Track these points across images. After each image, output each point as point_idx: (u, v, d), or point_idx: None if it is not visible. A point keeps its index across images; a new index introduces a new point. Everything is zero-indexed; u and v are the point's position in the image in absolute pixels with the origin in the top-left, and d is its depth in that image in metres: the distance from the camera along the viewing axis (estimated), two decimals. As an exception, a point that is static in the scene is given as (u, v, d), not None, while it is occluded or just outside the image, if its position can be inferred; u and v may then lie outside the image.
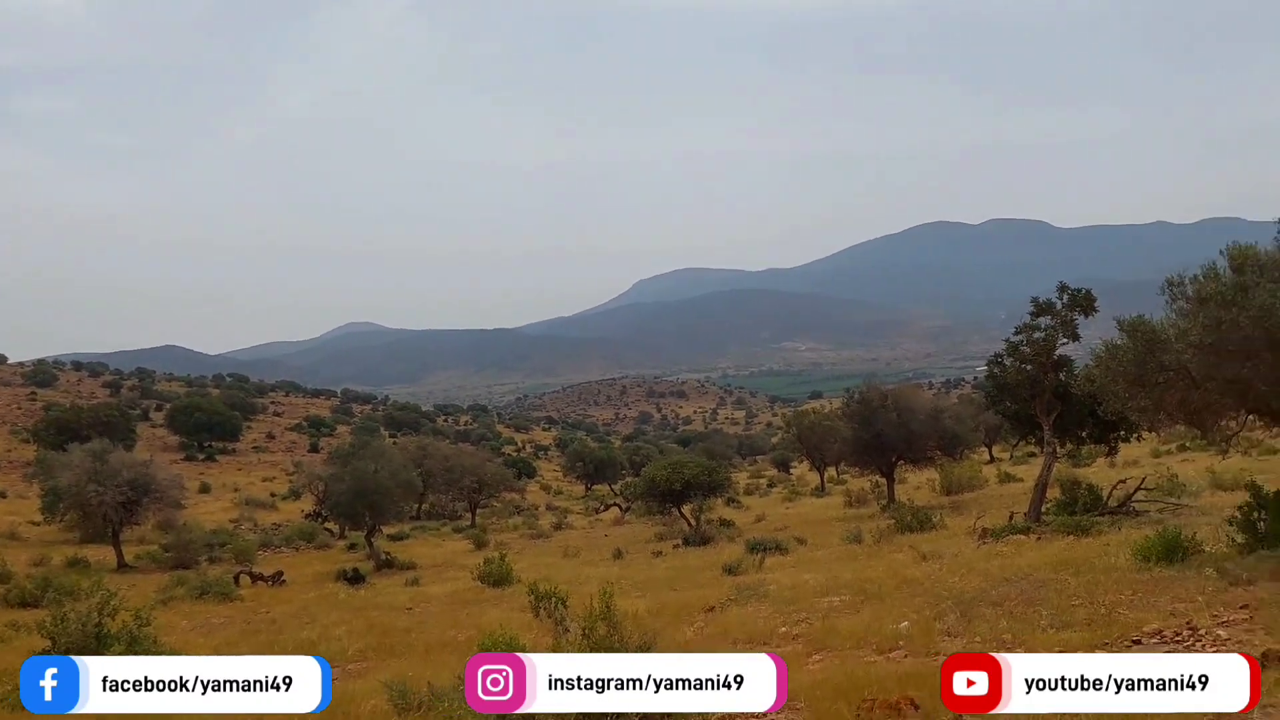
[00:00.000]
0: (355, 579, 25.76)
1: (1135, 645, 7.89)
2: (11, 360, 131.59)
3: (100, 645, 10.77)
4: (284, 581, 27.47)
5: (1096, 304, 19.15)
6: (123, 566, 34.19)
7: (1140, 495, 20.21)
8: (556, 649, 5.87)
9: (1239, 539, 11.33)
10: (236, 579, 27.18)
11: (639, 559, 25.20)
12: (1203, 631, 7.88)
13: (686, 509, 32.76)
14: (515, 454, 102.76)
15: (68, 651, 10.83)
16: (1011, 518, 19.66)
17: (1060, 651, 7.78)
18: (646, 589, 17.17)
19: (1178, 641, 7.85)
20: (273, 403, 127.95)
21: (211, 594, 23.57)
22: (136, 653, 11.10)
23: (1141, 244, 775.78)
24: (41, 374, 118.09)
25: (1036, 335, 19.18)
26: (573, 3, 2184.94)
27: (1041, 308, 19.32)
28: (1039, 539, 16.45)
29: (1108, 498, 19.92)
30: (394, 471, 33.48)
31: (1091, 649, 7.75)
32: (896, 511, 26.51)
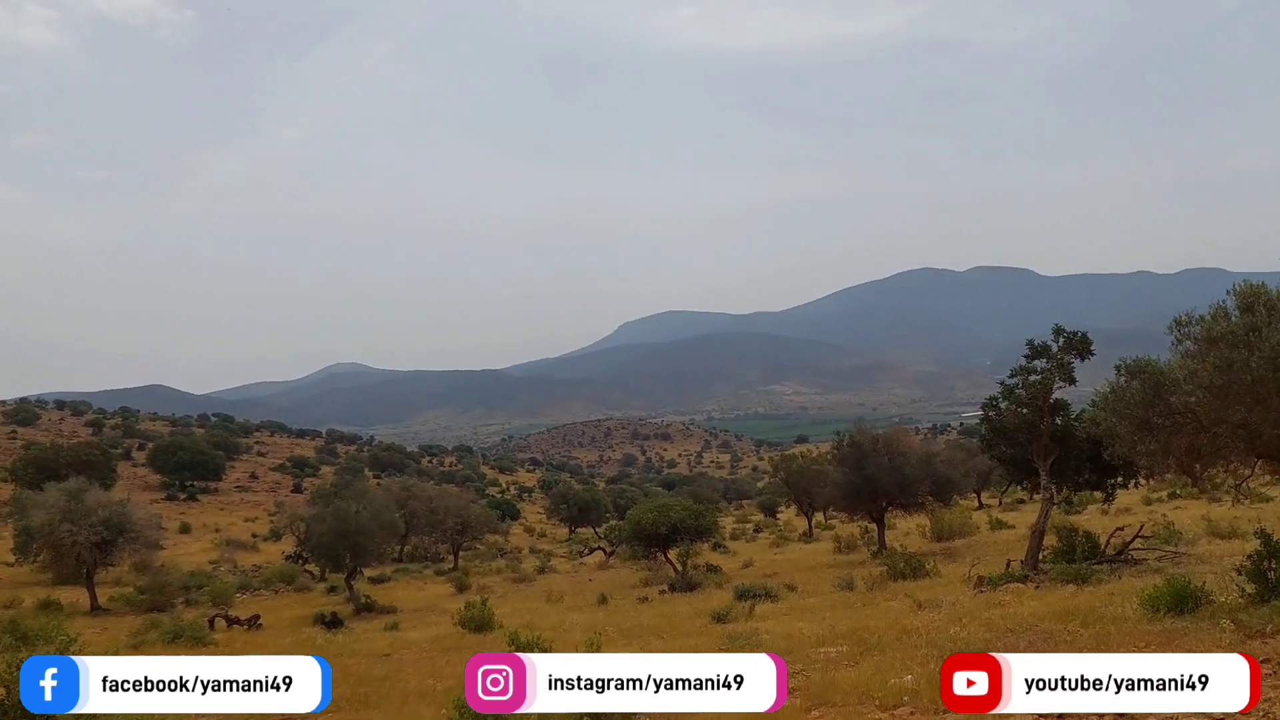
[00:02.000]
0: (333, 623, 25.04)
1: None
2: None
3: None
4: (260, 625, 26.72)
5: (1093, 347, 18.89)
6: (96, 609, 33.31)
7: (1138, 543, 19.82)
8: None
9: (1249, 589, 10.93)
10: (211, 623, 26.42)
11: (624, 605, 24.57)
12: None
13: (673, 554, 32.15)
14: (499, 495, 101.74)
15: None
16: (1009, 565, 19.21)
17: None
18: (633, 637, 16.59)
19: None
20: (257, 442, 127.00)
21: (184, 638, 22.80)
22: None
23: (1125, 292, 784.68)
24: (23, 412, 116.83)
25: (1032, 378, 18.86)
26: (560, 48, 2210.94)
27: (1037, 350, 19.03)
28: (1038, 588, 16.01)
29: (1105, 545, 19.52)
30: (376, 512, 32.74)
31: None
32: (888, 558, 26.00)
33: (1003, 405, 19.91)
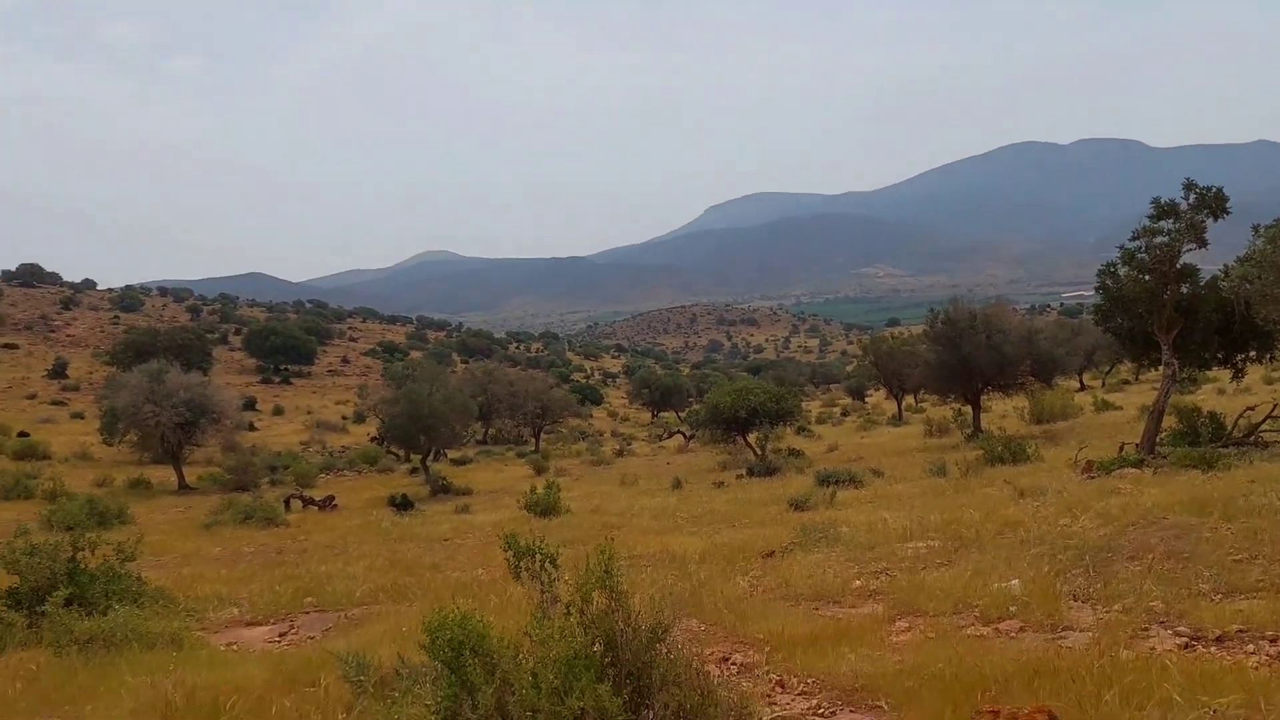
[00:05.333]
0: (404, 505, 24.63)
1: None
2: (101, 286, 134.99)
3: (71, 583, 9.42)
4: (335, 506, 26.58)
5: (1229, 204, 16.47)
6: (184, 488, 33.87)
7: (1268, 425, 17.75)
8: (534, 630, 4.08)
9: None
10: (287, 503, 26.38)
11: (699, 489, 23.51)
12: None
13: (752, 437, 30.94)
14: (584, 380, 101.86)
15: (36, 589, 9.57)
16: (1121, 449, 17.37)
17: (1240, 628, 5.79)
18: (701, 524, 15.42)
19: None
20: (350, 328, 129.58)
21: (255, 519, 22.66)
22: (113, 591, 9.81)
23: (1243, 164, 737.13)
24: (128, 299, 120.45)
25: (1158, 240, 16.58)
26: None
27: (1163, 209, 16.67)
28: (1156, 473, 14.23)
29: (1233, 427, 17.51)
30: (449, 395, 32.27)
31: None
32: (984, 441, 24.29)
33: (1122, 272, 17.69)
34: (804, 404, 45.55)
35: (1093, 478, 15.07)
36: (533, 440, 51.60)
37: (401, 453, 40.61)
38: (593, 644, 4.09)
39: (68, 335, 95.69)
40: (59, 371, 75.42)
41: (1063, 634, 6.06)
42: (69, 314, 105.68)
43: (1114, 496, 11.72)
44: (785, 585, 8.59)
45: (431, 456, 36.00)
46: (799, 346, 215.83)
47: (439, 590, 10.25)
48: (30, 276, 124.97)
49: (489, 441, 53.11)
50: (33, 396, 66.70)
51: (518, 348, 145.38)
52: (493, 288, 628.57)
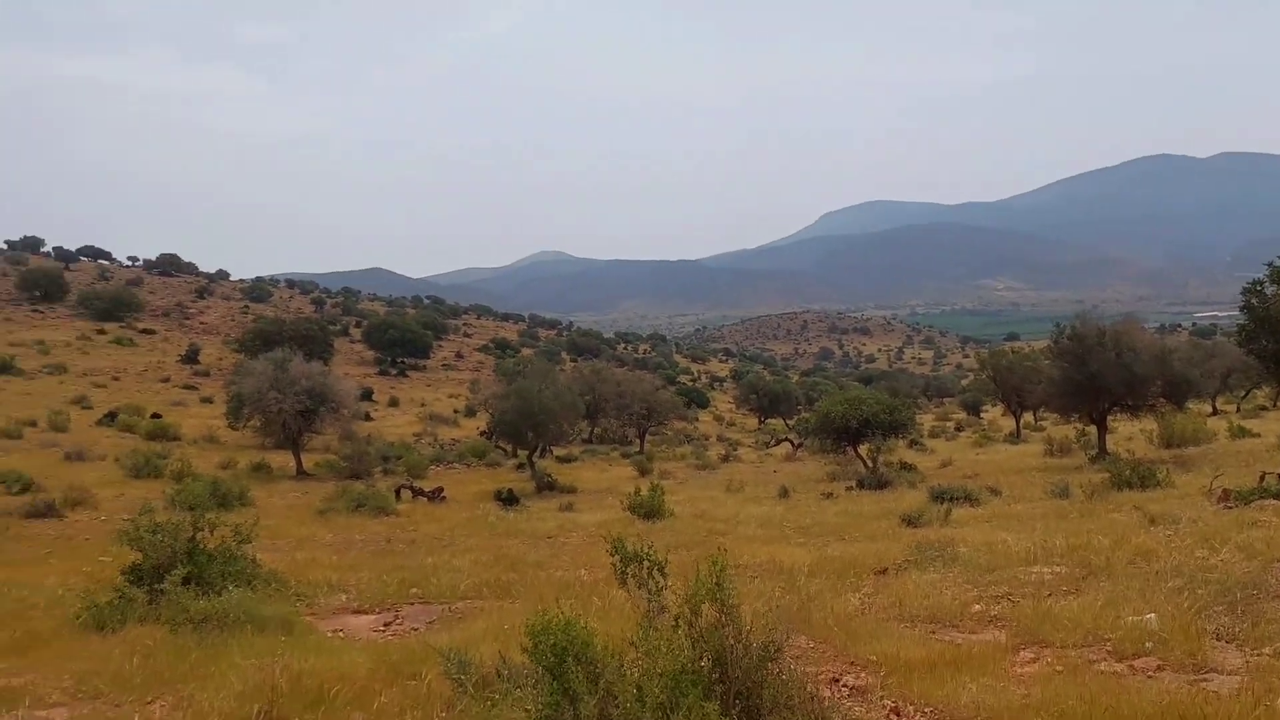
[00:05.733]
0: (510, 500, 24.88)
1: None
2: (233, 277, 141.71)
3: (190, 562, 9.71)
4: (444, 498, 27.02)
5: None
6: (301, 473, 34.96)
7: None
8: (640, 640, 3.91)
9: None
10: (398, 493, 26.92)
11: (806, 500, 23.04)
12: None
13: (863, 449, 30.23)
14: (690, 383, 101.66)
15: (157, 567, 9.89)
16: (1262, 479, 16.27)
17: None
18: (810, 536, 15.05)
19: None
20: (464, 324, 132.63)
21: (368, 507, 23.19)
22: (229, 572, 10.07)
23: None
24: (257, 290, 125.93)
25: (1314, 257, 15.48)
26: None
27: (1321, 225, 15.58)
28: (1304, 507, 13.23)
29: (1391, 461, 16.22)
30: (558, 392, 32.51)
31: None
32: (1110, 463, 23.12)
33: (1269, 290, 16.59)
34: (917, 417, 44.35)
35: (1230, 508, 14.14)
36: (637, 441, 51.66)
37: (509, 448, 41.12)
38: (700, 659, 3.91)
39: (201, 323, 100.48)
40: (191, 357, 79.19)
41: (1206, 676, 5.58)
42: (202, 302, 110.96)
43: (1255, 529, 10.93)
44: (899, 605, 8.23)
45: (538, 453, 36.31)
46: (913, 358, 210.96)
47: (542, 588, 10.21)
48: (169, 266, 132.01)
49: (594, 440, 53.41)
50: (166, 380, 70.11)
51: (625, 348, 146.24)
52: (604, 288, 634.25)
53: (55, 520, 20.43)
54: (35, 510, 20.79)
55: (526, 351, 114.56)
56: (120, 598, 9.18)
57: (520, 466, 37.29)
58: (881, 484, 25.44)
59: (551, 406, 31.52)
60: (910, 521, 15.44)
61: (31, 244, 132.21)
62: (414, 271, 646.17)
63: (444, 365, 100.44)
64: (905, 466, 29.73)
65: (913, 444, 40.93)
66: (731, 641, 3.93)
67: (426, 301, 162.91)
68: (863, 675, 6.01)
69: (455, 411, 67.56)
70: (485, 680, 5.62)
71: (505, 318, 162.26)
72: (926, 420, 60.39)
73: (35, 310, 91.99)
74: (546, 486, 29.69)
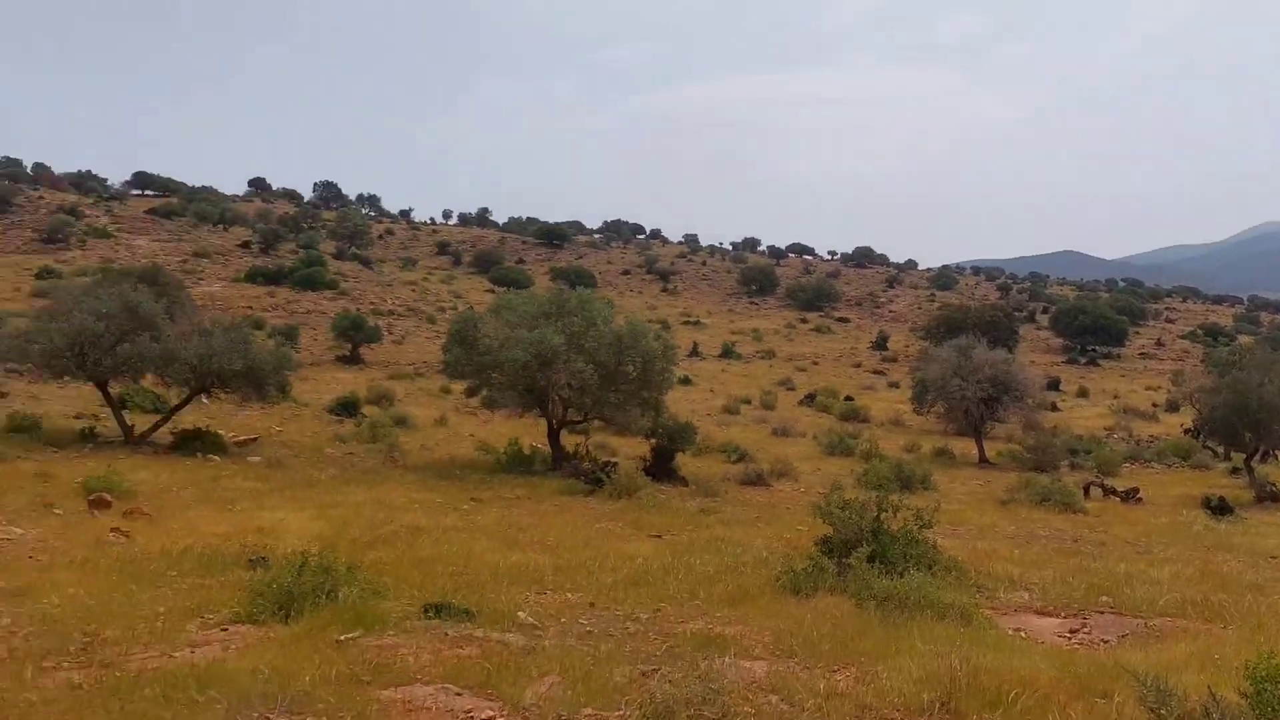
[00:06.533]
0: (1221, 509, 21.76)
1: None
2: (921, 266, 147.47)
3: (874, 541, 10.19)
4: (1140, 500, 24.69)
5: None
6: (983, 462, 34.86)
7: None
8: None
9: None
10: (1087, 489, 25.30)
11: None
12: None
13: None
14: None
15: (845, 542, 10.52)
16: None
17: None
18: None
19: None
20: (1166, 308, 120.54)
21: (1052, 502, 22.23)
22: (910, 555, 10.33)
23: None
24: (943, 278, 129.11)
25: None
26: None
27: None
28: None
29: None
30: (1287, 387, 27.43)
31: None
32: None
33: None
34: None
35: None
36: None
37: (1220, 449, 36.13)
38: None
39: (889, 311, 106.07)
40: (880, 343, 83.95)
41: None
42: (891, 292, 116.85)
43: None
44: None
45: (1258, 457, 31.28)
46: None
47: (1261, 617, 8.71)
48: (862, 258, 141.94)
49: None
50: (858, 365, 75.24)
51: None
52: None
53: (763, 488, 23.27)
54: (748, 478, 23.99)
55: (1244, 339, 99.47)
56: (814, 566, 10.01)
57: (1235, 471, 32.53)
58: None
59: (1275, 403, 26.78)
60: None
61: (750, 244, 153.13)
62: (1108, 253, 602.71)
63: (1141, 354, 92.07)
64: None
65: None
66: None
67: (1122, 284, 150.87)
68: None
69: (1154, 405, 61.44)
70: (1188, 715, 4.93)
71: (1218, 300, 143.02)
72: None
73: (752, 302, 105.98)
74: (1269, 497, 25.41)
